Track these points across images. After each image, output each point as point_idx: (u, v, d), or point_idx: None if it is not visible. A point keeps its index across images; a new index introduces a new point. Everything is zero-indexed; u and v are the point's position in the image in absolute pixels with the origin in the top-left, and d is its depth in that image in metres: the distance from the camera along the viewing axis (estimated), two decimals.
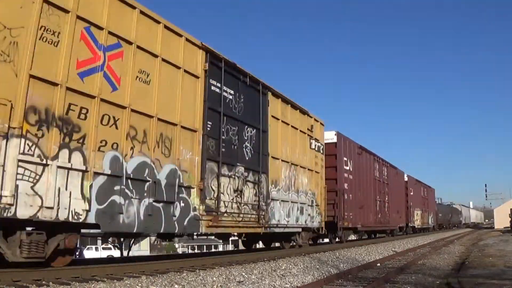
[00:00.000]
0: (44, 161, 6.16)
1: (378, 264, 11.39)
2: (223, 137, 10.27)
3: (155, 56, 8.40)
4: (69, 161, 6.55)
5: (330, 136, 18.27)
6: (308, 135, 15.04)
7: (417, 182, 38.25)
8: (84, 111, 6.87)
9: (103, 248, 39.99)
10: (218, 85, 10.24)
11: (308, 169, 14.86)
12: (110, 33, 7.39)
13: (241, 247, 17.07)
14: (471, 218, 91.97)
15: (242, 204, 10.75)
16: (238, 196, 10.66)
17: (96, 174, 6.95)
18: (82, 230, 7.49)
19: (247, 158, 11.22)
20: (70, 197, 6.45)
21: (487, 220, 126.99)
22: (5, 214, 5.61)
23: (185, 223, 8.80)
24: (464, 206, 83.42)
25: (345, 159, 18.93)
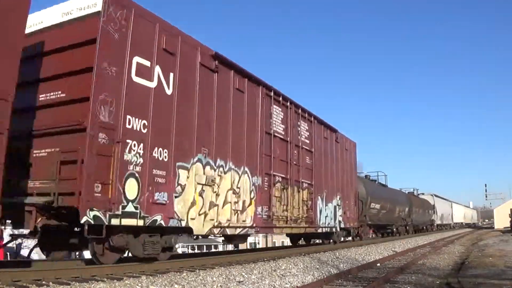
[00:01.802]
0: None
1: (378, 264, 11.40)
2: None
3: None
4: None
5: None
6: None
7: (254, 85, 11.35)
8: None
9: None
10: None
11: None
12: None
13: (240, 247, 17.03)
14: (455, 217, 62.57)
15: None
16: None
17: None
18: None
19: None
20: None
21: (487, 220, 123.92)
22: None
23: None
24: (440, 198, 53.23)
25: None
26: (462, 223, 71.71)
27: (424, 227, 42.15)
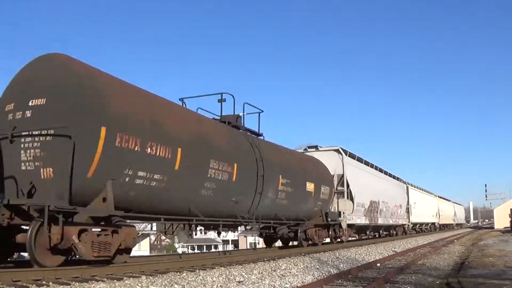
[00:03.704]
0: None
1: (378, 264, 11.40)
2: None
3: None
4: None
5: None
6: None
7: None
8: None
9: None
10: None
11: None
12: None
13: (241, 247, 17.09)
14: (417, 213, 35.34)
15: None
16: None
17: None
18: None
19: None
20: None
21: (486, 220, 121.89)
22: None
23: None
24: (365, 164, 23.55)
25: None
26: (434, 224, 43.61)
27: (298, 233, 14.70)
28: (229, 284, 7.07)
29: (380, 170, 27.15)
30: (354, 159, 21.40)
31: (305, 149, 19.21)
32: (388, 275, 8.85)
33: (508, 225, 46.93)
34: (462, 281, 7.89)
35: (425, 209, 39.39)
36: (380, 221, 24.23)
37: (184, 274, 7.87)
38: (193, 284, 6.91)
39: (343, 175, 18.71)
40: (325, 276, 8.40)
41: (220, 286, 6.95)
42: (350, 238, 20.56)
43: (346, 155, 19.88)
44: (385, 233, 27.89)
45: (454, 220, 59.93)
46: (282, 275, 8.31)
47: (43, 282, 6.16)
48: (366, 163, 23.88)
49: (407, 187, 33.18)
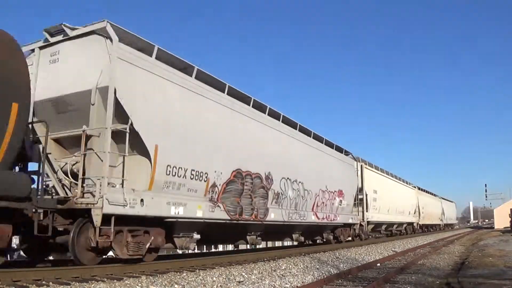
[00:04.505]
0: None
1: (378, 264, 11.40)
2: None
3: None
4: None
5: None
6: None
7: None
8: None
9: None
10: None
11: None
12: None
13: (241, 247, 17.03)
14: (377, 206, 22.86)
15: None
16: None
17: None
18: None
19: None
20: None
21: (486, 220, 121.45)
22: None
23: None
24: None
25: None
26: (412, 224, 33.43)
27: None
28: (229, 284, 7.07)
29: (291, 124, 14.12)
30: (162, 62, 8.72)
31: (46, 40, 8.32)
32: (388, 275, 8.85)
33: (508, 225, 46.89)
34: (462, 281, 7.88)
35: (396, 203, 27.35)
36: (276, 216, 12.54)
37: (184, 274, 7.87)
38: (193, 284, 6.91)
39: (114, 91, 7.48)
40: (325, 276, 8.40)
41: (220, 286, 6.95)
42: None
43: (130, 44, 8.03)
44: (307, 240, 16.59)
45: (441, 220, 47.61)
46: (282, 275, 8.31)
47: (43, 282, 6.16)
48: (229, 91, 10.77)
49: (361, 166, 21.37)
